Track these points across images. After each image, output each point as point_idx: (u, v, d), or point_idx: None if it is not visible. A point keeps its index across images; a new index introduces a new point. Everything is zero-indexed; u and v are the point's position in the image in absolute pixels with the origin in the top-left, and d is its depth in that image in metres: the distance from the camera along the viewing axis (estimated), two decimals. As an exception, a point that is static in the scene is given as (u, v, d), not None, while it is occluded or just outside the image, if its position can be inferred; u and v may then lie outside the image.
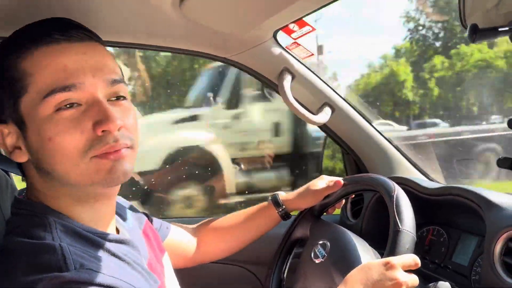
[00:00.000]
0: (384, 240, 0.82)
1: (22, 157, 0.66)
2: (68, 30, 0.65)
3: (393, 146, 1.33)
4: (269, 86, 1.22)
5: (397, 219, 0.80)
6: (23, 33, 0.66)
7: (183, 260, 1.01)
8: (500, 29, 0.52)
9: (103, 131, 0.62)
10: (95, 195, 0.67)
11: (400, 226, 0.79)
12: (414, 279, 0.71)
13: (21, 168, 0.70)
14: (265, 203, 1.05)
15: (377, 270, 0.71)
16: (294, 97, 1.16)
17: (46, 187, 0.67)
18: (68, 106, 0.62)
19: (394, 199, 0.84)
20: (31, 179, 0.68)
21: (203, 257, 1.03)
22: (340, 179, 1.00)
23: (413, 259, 0.73)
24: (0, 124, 0.66)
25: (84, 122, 0.62)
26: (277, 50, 1.11)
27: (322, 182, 1.01)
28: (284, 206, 1.02)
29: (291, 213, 1.04)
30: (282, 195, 1.04)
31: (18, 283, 0.56)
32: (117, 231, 0.75)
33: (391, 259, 0.72)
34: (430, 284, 0.78)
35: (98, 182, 0.64)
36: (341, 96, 1.24)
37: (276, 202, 1.02)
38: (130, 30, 0.71)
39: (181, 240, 1.01)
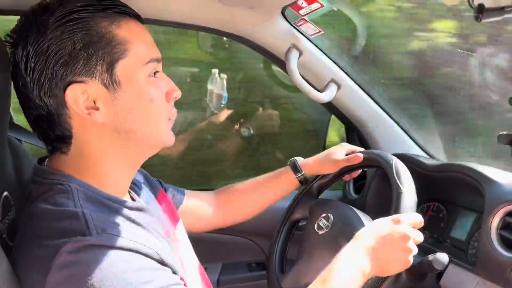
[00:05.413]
0: (386, 215, 0.85)
1: (100, 118, 0.66)
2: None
3: (397, 123, 1.34)
4: (276, 63, 1.22)
5: (398, 182, 0.85)
6: (110, 5, 0.67)
7: (201, 225, 1.04)
8: (506, 9, 0.53)
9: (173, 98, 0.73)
10: (145, 158, 0.75)
11: (401, 189, 0.84)
12: (419, 234, 0.76)
13: (49, 139, 0.69)
14: (283, 168, 1.06)
15: (386, 225, 0.76)
16: (300, 74, 1.16)
17: (107, 149, 0.68)
18: (154, 74, 0.70)
19: (394, 167, 0.89)
20: (87, 141, 0.67)
21: (223, 221, 1.06)
22: (360, 152, 1.01)
23: (418, 217, 0.78)
24: (76, 84, 0.64)
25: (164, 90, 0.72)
26: (285, 27, 1.11)
27: (342, 151, 1.03)
28: (303, 172, 1.04)
29: (309, 178, 1.06)
30: (301, 160, 1.05)
31: (45, 246, 0.59)
32: (133, 199, 0.78)
33: (399, 216, 0.77)
34: (429, 255, 0.82)
35: (167, 142, 0.73)
36: (347, 73, 1.25)
37: (294, 168, 1.04)
38: (137, 5, 0.72)
39: (197, 205, 1.03)
